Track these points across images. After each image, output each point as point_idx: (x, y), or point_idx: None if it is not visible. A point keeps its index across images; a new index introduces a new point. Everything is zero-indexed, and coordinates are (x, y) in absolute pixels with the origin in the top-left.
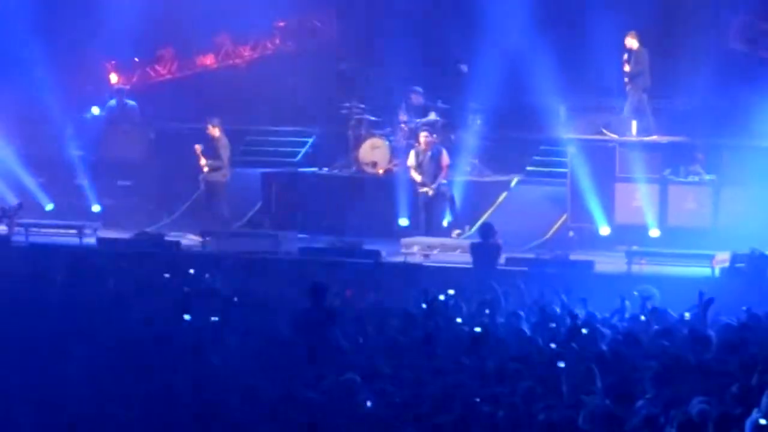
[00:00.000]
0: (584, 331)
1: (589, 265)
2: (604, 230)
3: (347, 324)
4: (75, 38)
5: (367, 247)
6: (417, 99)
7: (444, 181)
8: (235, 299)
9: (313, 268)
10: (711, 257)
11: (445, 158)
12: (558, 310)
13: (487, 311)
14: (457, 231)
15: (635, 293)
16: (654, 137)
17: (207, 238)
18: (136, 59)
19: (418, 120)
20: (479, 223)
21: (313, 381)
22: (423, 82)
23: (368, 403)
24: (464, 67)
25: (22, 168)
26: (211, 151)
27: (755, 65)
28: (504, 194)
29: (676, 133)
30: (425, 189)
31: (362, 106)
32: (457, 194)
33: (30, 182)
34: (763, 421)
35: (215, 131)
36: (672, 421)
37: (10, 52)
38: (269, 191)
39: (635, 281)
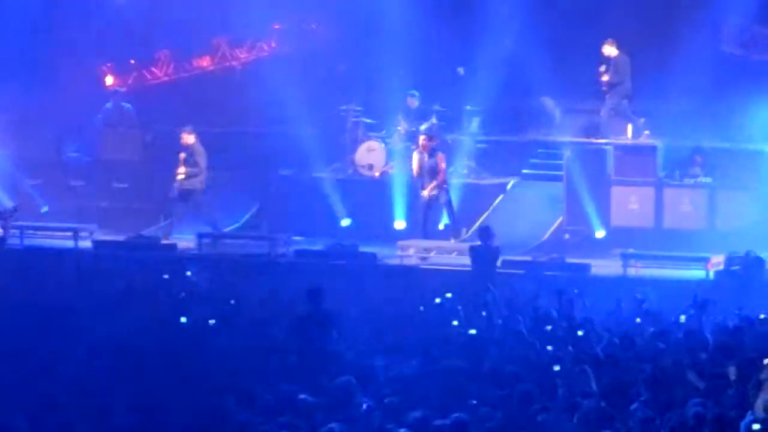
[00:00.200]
0: (580, 333)
1: (585, 268)
2: (600, 233)
3: (344, 327)
4: (71, 40)
5: (363, 249)
6: (413, 102)
7: (445, 186)
8: (232, 302)
9: (309, 271)
10: (706, 260)
11: (443, 162)
12: (554, 312)
13: (483, 314)
14: (453, 240)
15: (638, 296)
16: (644, 140)
17: (203, 241)
18: (132, 61)
19: (415, 128)
20: (476, 225)
21: (310, 384)
22: (420, 85)
23: (364, 406)
24: (461, 70)
25: (18, 170)
26: (187, 159)
27: (749, 68)
28: (500, 197)
29: (670, 136)
30: (423, 192)
31: (359, 108)
32: (454, 197)
33: (26, 184)
34: (756, 426)
35: (190, 138)
36: (667, 423)
37: (5, 54)
38: (265, 194)
39: (631, 284)
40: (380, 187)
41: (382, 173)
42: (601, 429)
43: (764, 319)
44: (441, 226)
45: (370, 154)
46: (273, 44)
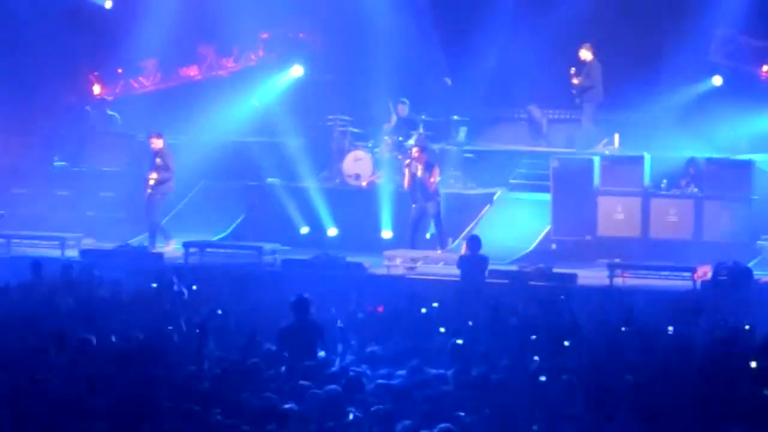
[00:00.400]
0: (566, 343)
1: (572, 277)
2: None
3: (331, 336)
4: (58, 48)
5: (350, 259)
6: (403, 110)
7: (437, 198)
8: (219, 311)
9: (296, 281)
10: (692, 270)
11: (435, 174)
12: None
13: (470, 323)
14: (440, 250)
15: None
16: (608, 149)
17: (190, 250)
18: (120, 70)
19: (402, 137)
20: (463, 235)
21: (297, 393)
22: (407, 95)
23: (350, 416)
24: (448, 80)
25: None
26: (158, 164)
27: (736, 79)
28: (487, 207)
29: (654, 146)
30: (414, 204)
31: (346, 118)
32: (441, 207)
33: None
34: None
35: (159, 143)
36: None
37: None
38: (252, 203)
39: (617, 294)
40: (367, 197)
41: (370, 183)
42: None
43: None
44: (428, 236)
45: (357, 163)
46: (260, 53)
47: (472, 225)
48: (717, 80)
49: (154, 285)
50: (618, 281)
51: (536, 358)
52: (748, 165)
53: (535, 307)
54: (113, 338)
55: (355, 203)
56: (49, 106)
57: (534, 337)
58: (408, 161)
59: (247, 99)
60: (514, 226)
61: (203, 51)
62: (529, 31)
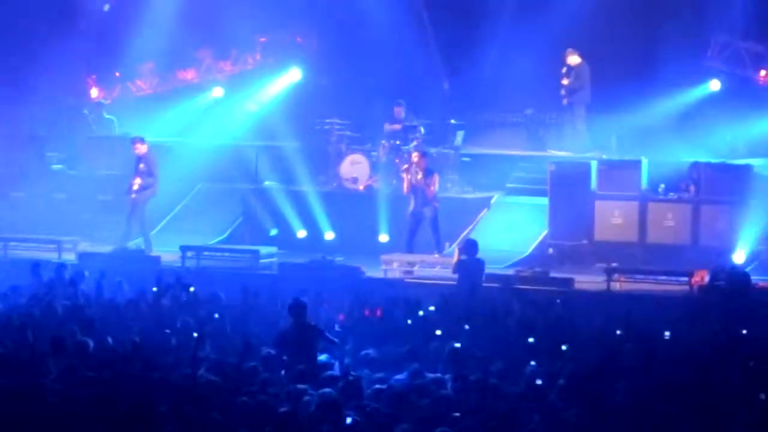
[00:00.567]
0: (564, 347)
1: (569, 282)
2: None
3: (327, 340)
4: (56, 52)
5: (348, 263)
6: (400, 112)
7: (435, 204)
8: (216, 315)
9: (293, 284)
10: (690, 275)
11: (434, 182)
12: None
13: (467, 327)
14: (437, 254)
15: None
16: (593, 153)
17: (187, 254)
18: (117, 73)
19: (401, 141)
20: (459, 239)
21: (293, 396)
22: (403, 98)
23: (348, 420)
24: (445, 84)
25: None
26: (142, 169)
27: (734, 83)
28: (484, 211)
29: (652, 151)
30: (411, 209)
31: (343, 122)
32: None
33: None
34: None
35: (143, 148)
36: None
37: None
38: (249, 206)
39: (614, 298)
40: (365, 201)
41: (367, 186)
42: None
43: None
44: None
45: (354, 167)
46: (258, 57)
47: (469, 229)
48: (715, 85)
49: (155, 289)
50: (615, 286)
51: (533, 362)
52: (745, 170)
53: (532, 312)
54: (110, 341)
55: (352, 207)
56: (46, 108)
57: (531, 340)
58: (407, 166)
59: (244, 102)
60: (512, 230)
61: (200, 55)
62: (526, 35)
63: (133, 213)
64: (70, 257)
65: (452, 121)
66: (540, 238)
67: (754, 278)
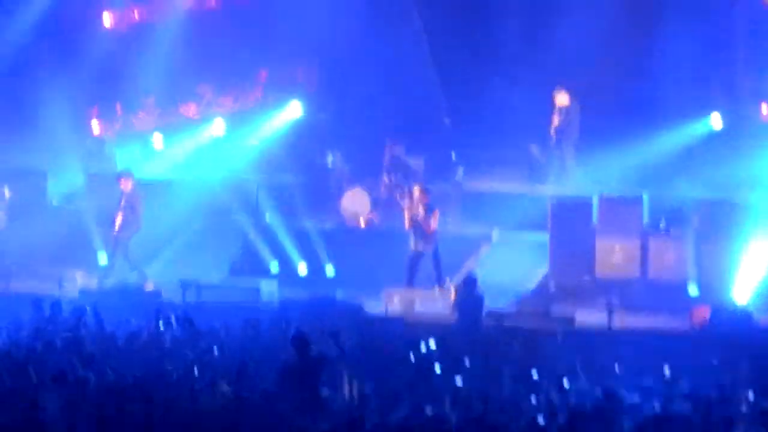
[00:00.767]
0: (566, 386)
1: (570, 320)
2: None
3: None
4: (57, 84)
5: (348, 298)
6: (399, 149)
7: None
8: (215, 351)
9: (294, 320)
10: (691, 312)
11: (435, 218)
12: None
13: (467, 363)
14: (438, 289)
15: None
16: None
17: (187, 289)
18: (119, 108)
19: (402, 174)
20: (459, 274)
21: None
22: (405, 134)
23: None
24: (447, 120)
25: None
26: (125, 206)
27: (735, 119)
28: (485, 246)
29: (650, 187)
30: (411, 245)
31: (342, 157)
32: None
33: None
34: None
35: (128, 184)
36: None
37: None
38: (249, 241)
39: (615, 335)
40: (365, 236)
41: (368, 221)
42: None
43: None
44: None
45: (354, 202)
46: (258, 92)
47: (469, 264)
48: (716, 123)
49: (160, 322)
50: (617, 323)
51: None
52: (746, 206)
53: (532, 348)
54: (110, 374)
55: (352, 242)
56: (47, 142)
57: (534, 377)
58: (408, 202)
59: (245, 138)
60: (513, 266)
61: (201, 90)
62: (529, 71)
63: (116, 249)
64: (71, 292)
65: (453, 157)
66: (542, 275)
67: (755, 314)
